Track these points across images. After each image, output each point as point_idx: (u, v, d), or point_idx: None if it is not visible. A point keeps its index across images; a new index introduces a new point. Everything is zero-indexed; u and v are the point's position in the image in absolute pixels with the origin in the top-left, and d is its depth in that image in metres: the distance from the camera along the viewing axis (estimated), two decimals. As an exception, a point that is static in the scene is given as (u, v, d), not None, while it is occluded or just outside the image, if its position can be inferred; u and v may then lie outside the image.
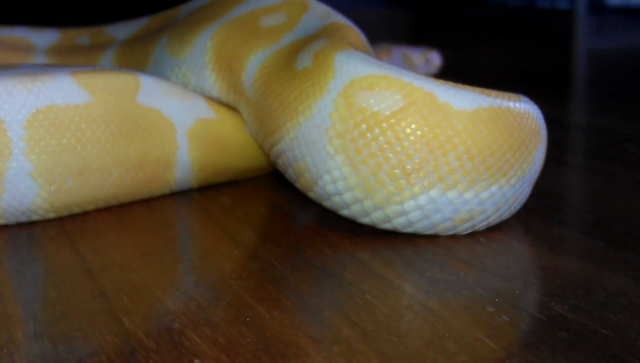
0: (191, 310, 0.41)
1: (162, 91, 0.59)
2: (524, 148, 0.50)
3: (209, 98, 0.62)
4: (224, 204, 0.60)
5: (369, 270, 0.47)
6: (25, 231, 0.54)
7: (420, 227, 0.50)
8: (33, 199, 0.53)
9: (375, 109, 0.48)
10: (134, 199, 0.59)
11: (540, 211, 0.57)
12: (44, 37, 0.81)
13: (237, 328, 0.39)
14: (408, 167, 0.48)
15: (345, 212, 0.52)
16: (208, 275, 0.46)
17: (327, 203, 0.52)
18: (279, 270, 0.47)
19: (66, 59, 0.78)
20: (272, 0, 0.63)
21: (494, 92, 0.50)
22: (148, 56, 0.69)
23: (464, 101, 0.48)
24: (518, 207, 0.54)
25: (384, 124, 0.48)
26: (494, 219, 0.52)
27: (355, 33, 0.59)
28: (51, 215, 0.55)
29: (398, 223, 0.50)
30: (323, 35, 0.55)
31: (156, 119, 0.58)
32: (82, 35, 0.81)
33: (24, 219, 0.54)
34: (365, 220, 0.51)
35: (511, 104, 0.50)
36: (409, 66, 1.00)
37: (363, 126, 0.48)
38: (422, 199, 0.49)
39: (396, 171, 0.48)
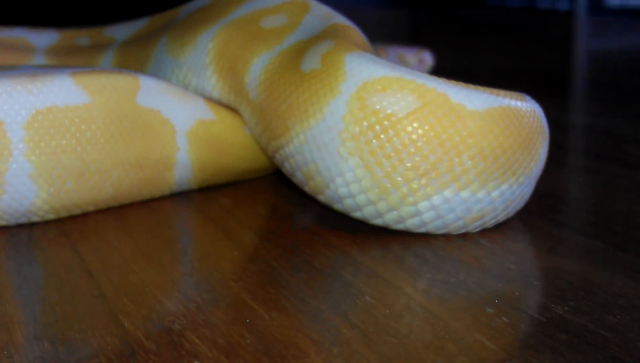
0: (191, 311, 0.41)
1: (162, 92, 0.59)
2: (532, 146, 0.51)
3: (209, 99, 0.62)
4: (223, 206, 0.60)
5: (368, 271, 0.47)
6: (25, 233, 0.54)
7: (433, 227, 0.51)
8: (33, 201, 0.53)
9: (390, 110, 0.48)
10: (134, 201, 0.59)
11: (540, 212, 0.57)
12: (43, 38, 0.81)
13: (236, 329, 0.39)
14: (423, 168, 0.48)
15: (357, 214, 0.52)
16: (208, 276, 0.46)
17: (338, 206, 0.52)
18: (279, 271, 0.47)
19: (66, 60, 0.78)
20: (273, 1, 0.63)
21: (502, 92, 0.51)
22: (148, 56, 0.69)
23: (476, 101, 0.49)
24: (523, 204, 0.54)
25: (399, 126, 0.48)
26: (502, 216, 0.52)
27: (357, 34, 0.59)
28: (51, 216, 0.55)
29: (411, 224, 0.51)
30: (327, 36, 0.55)
31: (156, 120, 0.58)
32: (82, 36, 0.81)
33: (23, 220, 0.54)
34: (377, 222, 0.51)
35: (519, 103, 0.51)
36: (404, 66, 1.01)
37: (377, 127, 0.48)
38: (436, 200, 0.49)
39: (411, 172, 0.48)
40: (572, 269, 0.47)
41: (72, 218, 0.56)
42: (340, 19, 0.60)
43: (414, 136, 0.48)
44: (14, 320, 0.41)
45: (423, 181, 0.48)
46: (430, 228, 0.51)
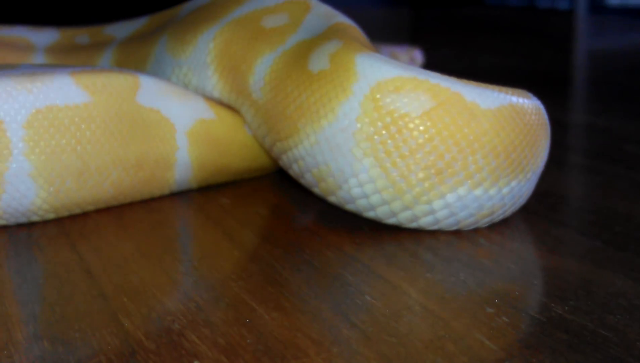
0: (191, 311, 0.41)
1: (162, 91, 0.59)
2: (537, 142, 0.52)
3: (209, 98, 0.62)
4: (223, 205, 0.60)
5: (368, 270, 0.47)
6: (24, 232, 0.54)
7: (445, 224, 0.51)
8: (33, 200, 0.53)
9: (405, 110, 0.49)
10: (134, 200, 0.59)
11: (541, 211, 0.57)
12: (43, 37, 0.81)
13: (236, 329, 0.39)
14: (438, 167, 0.49)
15: (370, 214, 0.52)
16: (208, 276, 0.46)
17: (350, 206, 0.52)
18: (279, 270, 0.47)
19: (65, 58, 0.78)
20: (273, 0, 0.63)
21: (510, 90, 0.52)
22: (148, 55, 0.69)
23: (488, 100, 0.49)
24: (526, 200, 0.55)
25: (414, 125, 0.49)
26: (509, 212, 0.53)
27: (360, 33, 0.59)
28: (51, 216, 0.55)
29: (424, 222, 0.51)
30: (331, 36, 0.55)
31: (156, 119, 0.58)
32: (82, 35, 0.81)
33: (23, 219, 0.54)
34: (391, 221, 0.52)
35: (526, 101, 0.52)
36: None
37: (392, 128, 0.49)
38: (450, 198, 0.50)
39: (426, 171, 0.49)
40: (572, 269, 0.47)
41: (72, 217, 0.56)
42: (341, 18, 0.60)
43: (430, 136, 0.48)
44: (14, 320, 0.41)
45: (438, 180, 0.49)
46: (443, 225, 0.51)
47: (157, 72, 0.66)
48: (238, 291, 0.44)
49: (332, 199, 0.53)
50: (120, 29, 0.79)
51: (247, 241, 0.53)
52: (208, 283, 0.45)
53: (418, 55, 1.06)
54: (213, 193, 0.62)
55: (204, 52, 0.62)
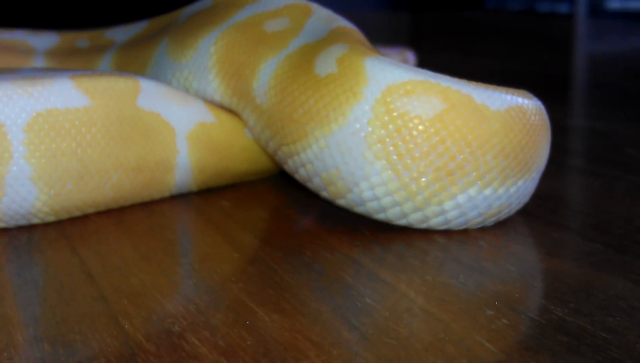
0: (191, 313, 0.41)
1: (162, 95, 0.59)
2: (541, 142, 0.53)
3: (209, 102, 0.62)
4: (223, 208, 0.60)
5: (368, 273, 0.47)
6: (25, 235, 0.54)
7: (455, 224, 0.52)
8: (33, 203, 0.53)
9: (417, 113, 0.49)
10: (134, 203, 0.59)
11: (540, 214, 0.57)
12: (43, 40, 0.81)
13: (236, 331, 0.39)
14: (449, 168, 0.49)
15: (380, 216, 0.52)
16: (208, 279, 0.46)
17: (360, 209, 0.52)
18: (279, 273, 0.47)
19: (65, 62, 0.78)
20: (274, 4, 0.63)
21: (516, 91, 0.53)
22: (148, 59, 0.69)
23: (497, 102, 0.50)
24: (529, 198, 0.56)
25: (425, 128, 0.49)
26: (513, 210, 0.54)
27: (362, 37, 0.59)
28: (51, 218, 0.55)
29: (435, 223, 0.52)
30: (334, 39, 0.55)
31: (156, 123, 0.58)
32: (82, 38, 0.81)
33: (24, 222, 0.55)
34: (401, 222, 0.52)
35: (530, 102, 0.53)
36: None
37: (404, 130, 0.49)
38: (461, 198, 0.50)
39: (438, 172, 0.49)
40: (572, 271, 0.47)
41: (72, 220, 0.56)
42: (342, 22, 0.60)
43: (441, 138, 0.49)
44: (14, 322, 0.41)
45: (449, 181, 0.50)
46: (453, 225, 0.52)
47: (158, 76, 0.66)
48: (238, 294, 0.44)
49: (341, 202, 0.53)
50: (121, 33, 0.79)
51: (247, 244, 0.53)
52: (208, 285, 0.45)
53: (411, 56, 1.07)
54: (213, 195, 0.63)
55: (205, 56, 0.62)
